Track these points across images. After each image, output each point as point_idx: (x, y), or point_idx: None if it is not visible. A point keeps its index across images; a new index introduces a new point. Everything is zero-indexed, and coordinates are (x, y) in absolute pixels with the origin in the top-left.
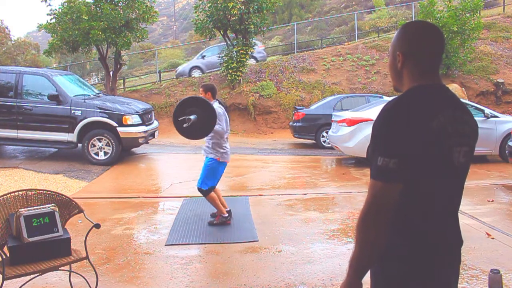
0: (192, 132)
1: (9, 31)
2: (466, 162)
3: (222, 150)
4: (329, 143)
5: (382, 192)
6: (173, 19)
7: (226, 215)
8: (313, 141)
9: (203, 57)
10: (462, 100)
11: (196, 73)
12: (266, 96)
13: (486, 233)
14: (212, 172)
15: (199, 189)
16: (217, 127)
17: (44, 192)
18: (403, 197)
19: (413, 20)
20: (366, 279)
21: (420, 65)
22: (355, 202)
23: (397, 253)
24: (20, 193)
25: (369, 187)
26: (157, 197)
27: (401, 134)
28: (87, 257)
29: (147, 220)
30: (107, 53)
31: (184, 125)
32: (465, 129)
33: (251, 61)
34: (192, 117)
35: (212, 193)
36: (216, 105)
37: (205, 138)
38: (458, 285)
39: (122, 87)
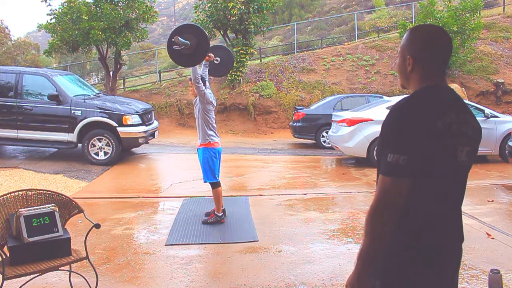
0: (180, 57)
1: (9, 31)
2: (468, 161)
3: (209, 132)
4: (329, 143)
5: (392, 188)
6: (173, 19)
7: (221, 214)
8: (313, 141)
9: None
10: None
11: None
12: (266, 96)
13: (486, 233)
14: (210, 163)
15: (210, 183)
16: (202, 88)
17: (44, 192)
18: (409, 194)
19: (413, 21)
20: None
21: (429, 69)
22: (355, 202)
23: (399, 247)
24: (20, 193)
25: (379, 182)
26: (157, 197)
27: (410, 132)
28: (87, 257)
29: (147, 220)
30: (107, 53)
31: (174, 47)
32: (468, 130)
33: None
34: (183, 40)
35: (220, 189)
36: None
37: (197, 127)
38: (458, 285)
39: (122, 87)
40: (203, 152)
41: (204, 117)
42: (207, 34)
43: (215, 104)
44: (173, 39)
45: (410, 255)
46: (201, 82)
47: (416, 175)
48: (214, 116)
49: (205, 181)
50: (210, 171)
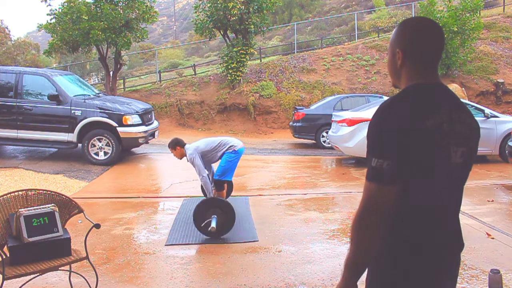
0: (218, 231)
1: (9, 31)
2: (464, 162)
3: (228, 146)
4: (329, 143)
5: (377, 194)
6: (173, 19)
7: None
8: (313, 141)
9: None
10: (462, 100)
11: None
12: (266, 96)
13: (486, 233)
14: (232, 165)
15: (216, 184)
16: (193, 159)
17: (44, 192)
18: (399, 198)
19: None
20: (361, 280)
21: (420, 64)
22: (355, 202)
23: (393, 255)
24: (20, 193)
25: (364, 188)
26: (157, 197)
27: (394, 134)
28: (87, 257)
29: (147, 220)
30: (107, 53)
31: (209, 229)
32: (462, 129)
33: None
34: (213, 223)
35: (224, 192)
36: (191, 153)
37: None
38: (458, 285)
39: (122, 87)
40: (231, 153)
41: (208, 162)
42: (224, 199)
43: (199, 151)
44: (210, 229)
45: (405, 262)
46: (208, 184)
47: (404, 179)
48: (212, 152)
49: (220, 178)
50: (229, 170)
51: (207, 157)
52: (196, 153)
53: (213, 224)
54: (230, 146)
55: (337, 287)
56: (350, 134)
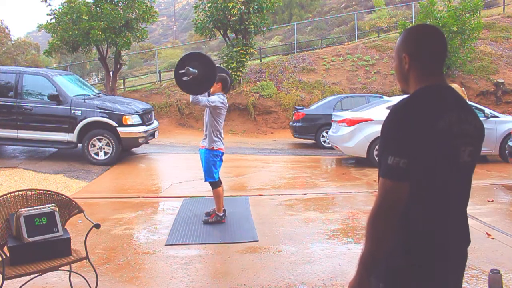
0: (190, 86)
1: (9, 31)
2: (471, 161)
3: (215, 139)
4: (329, 143)
5: (392, 190)
6: (173, 19)
7: (222, 214)
8: (313, 141)
9: None
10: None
11: None
12: (266, 96)
13: (486, 233)
14: (212, 163)
15: (210, 183)
16: (215, 99)
17: (44, 192)
18: (410, 196)
19: (413, 21)
20: None
21: (426, 66)
22: (355, 202)
23: (401, 250)
24: (20, 193)
25: (379, 185)
26: (157, 197)
27: (410, 134)
28: (87, 257)
29: (147, 220)
30: (107, 53)
31: (184, 78)
32: (470, 130)
33: None
34: (191, 69)
35: (220, 189)
36: (220, 97)
37: (204, 128)
38: None
39: (122, 87)
40: (205, 153)
41: (212, 122)
42: (212, 60)
43: (226, 106)
44: (184, 70)
45: (413, 258)
46: (201, 100)
47: (417, 177)
48: (223, 121)
49: (205, 180)
50: (211, 171)
51: (215, 115)
52: (218, 102)
53: (192, 70)
54: (218, 141)
55: (352, 283)
56: (350, 134)
